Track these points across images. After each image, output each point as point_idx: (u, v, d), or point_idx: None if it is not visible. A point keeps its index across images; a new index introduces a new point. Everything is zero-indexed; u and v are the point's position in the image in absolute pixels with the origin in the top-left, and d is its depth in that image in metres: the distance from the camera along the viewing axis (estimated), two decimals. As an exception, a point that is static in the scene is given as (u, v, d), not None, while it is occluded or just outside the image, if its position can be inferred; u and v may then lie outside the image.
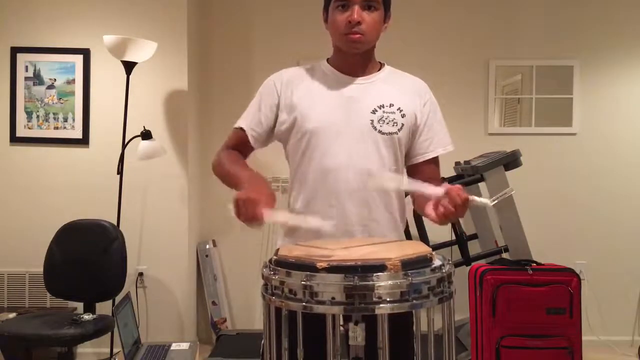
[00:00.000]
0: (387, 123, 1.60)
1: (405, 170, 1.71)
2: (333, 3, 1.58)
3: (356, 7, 1.54)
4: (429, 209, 1.42)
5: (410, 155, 1.68)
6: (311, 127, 1.60)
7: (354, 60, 1.64)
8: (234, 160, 1.64)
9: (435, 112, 1.68)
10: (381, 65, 1.71)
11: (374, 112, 1.60)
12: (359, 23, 1.55)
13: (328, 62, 1.70)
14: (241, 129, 1.69)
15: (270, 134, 1.69)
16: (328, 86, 1.64)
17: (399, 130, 1.60)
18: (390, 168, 1.62)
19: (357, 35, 1.56)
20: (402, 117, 1.61)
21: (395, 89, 1.65)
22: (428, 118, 1.66)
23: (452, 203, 1.35)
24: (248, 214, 1.32)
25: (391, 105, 1.61)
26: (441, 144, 1.68)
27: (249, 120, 1.69)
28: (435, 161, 1.69)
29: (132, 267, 3.42)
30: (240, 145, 1.70)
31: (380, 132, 1.59)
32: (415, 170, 1.70)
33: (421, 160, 1.68)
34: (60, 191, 3.51)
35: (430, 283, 1.20)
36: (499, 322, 2.80)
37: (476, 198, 1.40)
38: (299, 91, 1.65)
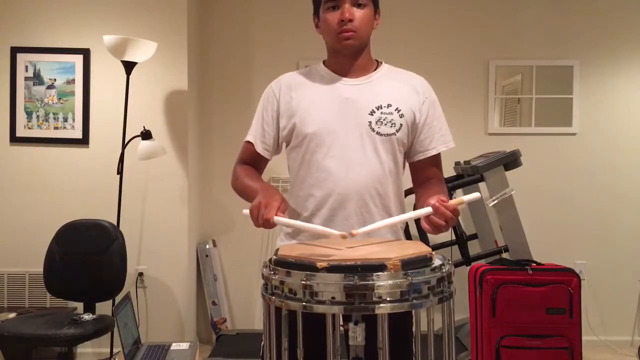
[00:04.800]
0: (385, 124, 1.60)
1: (401, 171, 1.71)
2: (323, 5, 1.60)
3: (346, 5, 1.56)
4: (424, 224, 1.43)
5: (411, 154, 1.69)
6: (310, 131, 1.60)
7: (349, 60, 1.64)
8: (248, 175, 1.68)
9: (434, 110, 1.68)
10: (378, 64, 1.70)
11: (371, 113, 1.60)
12: (350, 20, 1.56)
13: (324, 64, 1.70)
14: (250, 142, 1.71)
15: (277, 141, 1.71)
16: (325, 89, 1.64)
17: (397, 131, 1.60)
18: (389, 169, 1.62)
19: (350, 33, 1.57)
20: (400, 117, 1.61)
21: (393, 88, 1.65)
22: (427, 116, 1.66)
23: (443, 217, 1.38)
24: (261, 218, 1.39)
25: (389, 105, 1.61)
26: (442, 141, 1.68)
27: (255, 132, 1.71)
28: (436, 158, 1.69)
29: (132, 267, 3.42)
30: (253, 158, 1.72)
31: (378, 133, 1.59)
32: (417, 167, 1.70)
33: (422, 157, 1.68)
34: (60, 191, 3.51)
35: (430, 283, 1.20)
36: (499, 322, 2.80)
37: (465, 198, 1.43)
38: (297, 95, 1.65)
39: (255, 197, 1.46)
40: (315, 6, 1.65)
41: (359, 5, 1.57)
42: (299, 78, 1.69)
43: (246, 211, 1.45)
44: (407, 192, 1.82)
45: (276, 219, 1.38)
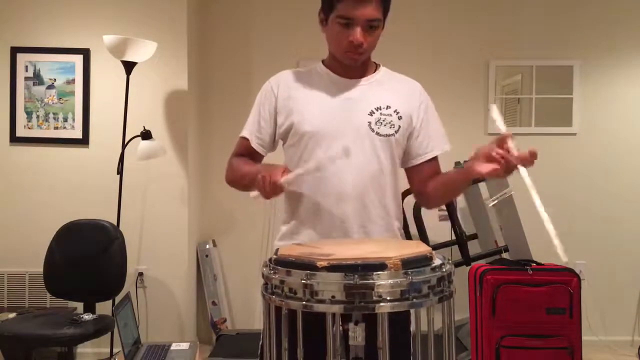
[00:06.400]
0: (385, 125, 1.60)
1: (399, 172, 1.71)
2: (335, 16, 1.54)
3: (359, 29, 1.52)
4: (485, 167, 1.42)
5: (408, 157, 1.69)
6: (308, 130, 1.60)
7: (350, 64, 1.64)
8: (243, 163, 1.67)
9: (430, 114, 1.69)
10: (377, 67, 1.71)
11: (371, 114, 1.60)
12: (360, 45, 1.54)
13: (324, 64, 1.69)
14: (245, 137, 1.71)
15: (274, 138, 1.70)
16: (325, 88, 1.64)
17: (395, 132, 1.61)
18: (388, 169, 1.62)
19: (357, 55, 1.57)
20: (399, 119, 1.62)
21: (391, 91, 1.66)
22: (424, 120, 1.67)
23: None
24: (269, 186, 1.40)
25: (388, 107, 1.62)
26: (438, 145, 1.68)
27: (251, 128, 1.70)
28: (434, 160, 1.69)
29: (132, 267, 3.42)
30: (248, 153, 1.71)
31: (377, 133, 1.60)
32: (414, 171, 1.70)
33: (420, 161, 1.68)
34: (60, 191, 3.51)
35: (431, 282, 1.20)
36: (499, 322, 2.80)
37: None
38: (296, 94, 1.65)
39: (253, 176, 1.46)
40: (324, 6, 1.59)
41: (370, 27, 1.53)
42: (298, 76, 1.69)
43: (254, 193, 1.45)
44: (405, 194, 1.82)
45: (283, 180, 1.39)
